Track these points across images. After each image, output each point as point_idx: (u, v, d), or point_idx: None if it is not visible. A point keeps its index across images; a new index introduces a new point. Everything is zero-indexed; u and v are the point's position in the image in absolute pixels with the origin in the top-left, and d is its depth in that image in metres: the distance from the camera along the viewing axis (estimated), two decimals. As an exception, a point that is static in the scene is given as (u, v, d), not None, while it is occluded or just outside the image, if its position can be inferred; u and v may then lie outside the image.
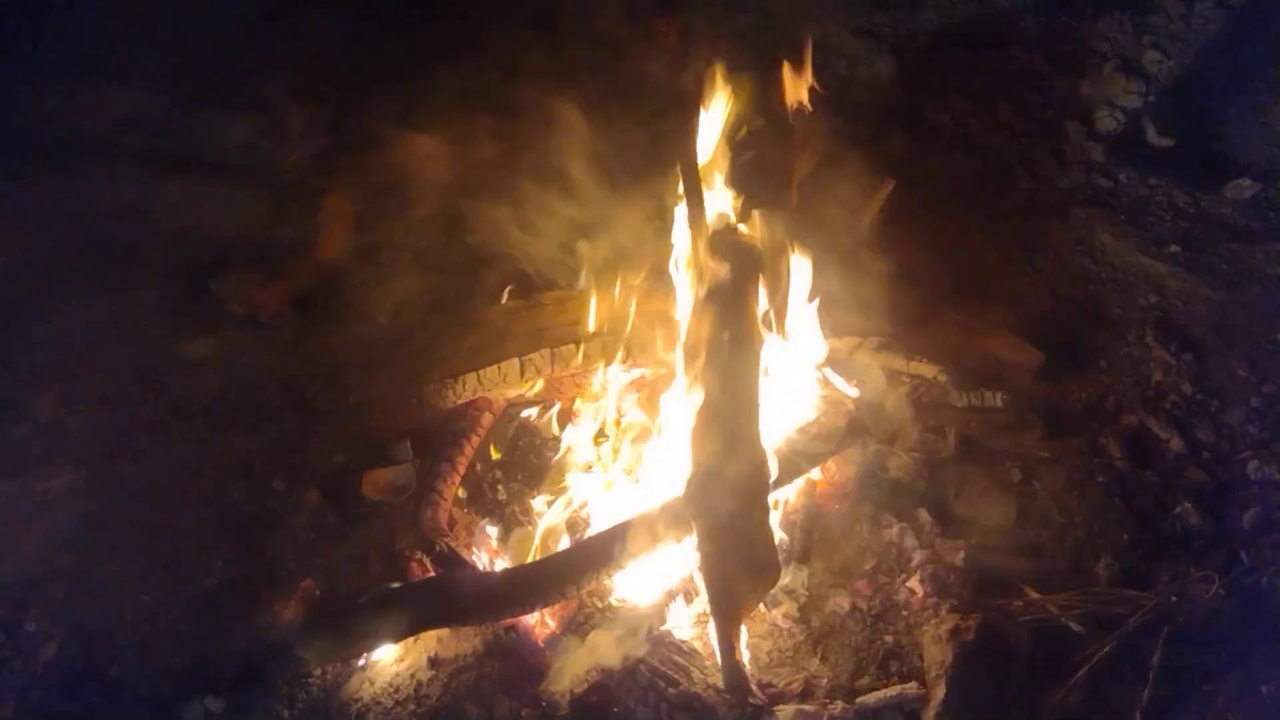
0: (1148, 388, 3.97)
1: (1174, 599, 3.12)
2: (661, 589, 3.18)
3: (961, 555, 3.25)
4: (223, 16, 5.10)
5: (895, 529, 3.34)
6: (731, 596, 2.88)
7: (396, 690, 3.07)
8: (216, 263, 4.35)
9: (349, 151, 4.74)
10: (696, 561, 2.95)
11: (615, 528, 3.08)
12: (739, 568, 2.89)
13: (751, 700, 2.84)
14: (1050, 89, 5.49)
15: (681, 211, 3.26)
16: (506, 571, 3.06)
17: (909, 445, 3.53)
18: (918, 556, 3.27)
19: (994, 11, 5.96)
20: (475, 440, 3.54)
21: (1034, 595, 3.15)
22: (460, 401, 3.58)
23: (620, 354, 3.53)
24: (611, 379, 3.57)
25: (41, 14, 5.22)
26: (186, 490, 3.66)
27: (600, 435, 3.50)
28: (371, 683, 3.09)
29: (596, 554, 3.05)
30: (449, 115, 4.73)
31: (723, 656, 2.85)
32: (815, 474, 3.44)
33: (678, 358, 3.18)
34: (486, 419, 3.60)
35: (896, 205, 4.19)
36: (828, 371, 3.52)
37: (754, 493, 2.97)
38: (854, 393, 3.48)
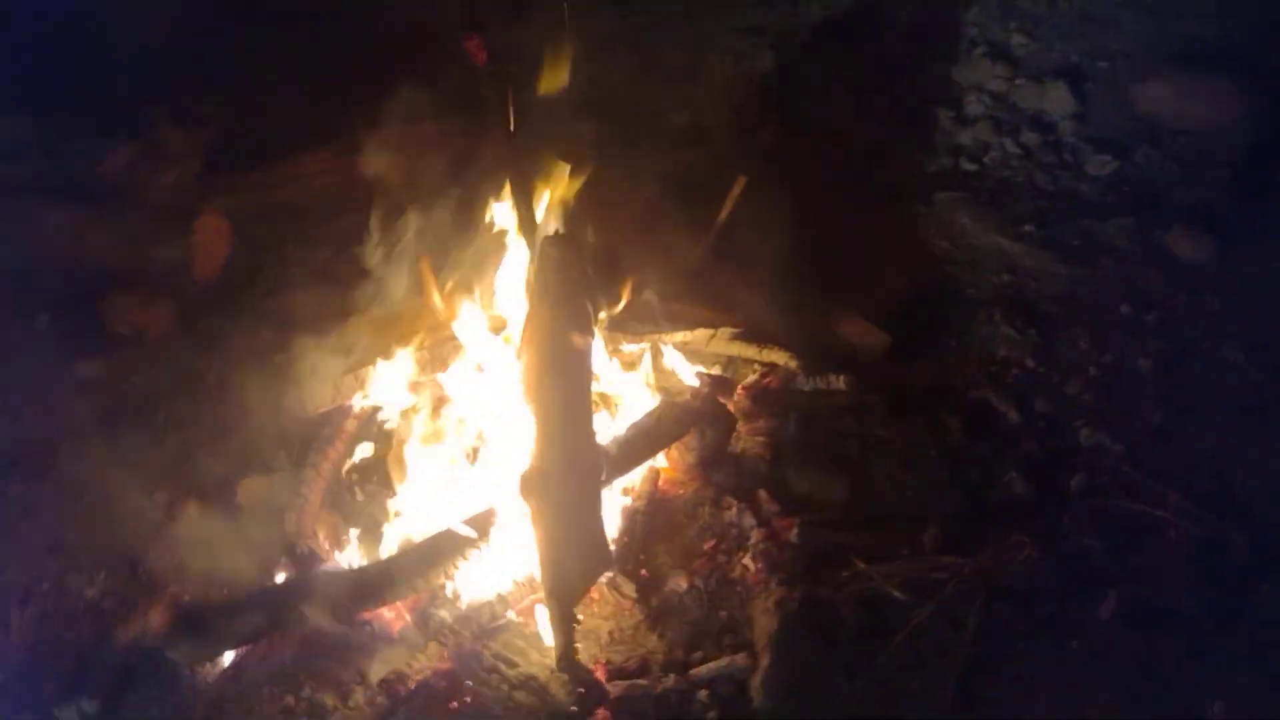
0: (992, 363, 4.17)
1: (991, 563, 3.33)
2: (505, 579, 3.36)
3: (795, 532, 3.44)
4: (102, 45, 5.23)
5: (734, 510, 3.53)
6: (565, 582, 3.07)
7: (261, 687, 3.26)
8: (106, 287, 4.51)
9: (230, 170, 4.90)
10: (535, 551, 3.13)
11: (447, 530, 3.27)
12: (573, 555, 3.08)
13: (584, 676, 3.03)
14: (921, 77, 5.68)
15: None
16: (356, 570, 3.23)
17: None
18: (755, 535, 3.46)
19: (872, 2, 6.14)
20: (339, 446, 3.71)
21: (861, 566, 3.35)
22: (331, 407, 3.77)
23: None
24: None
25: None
26: (74, 508, 3.83)
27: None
28: (238, 680, 3.27)
29: (438, 550, 3.24)
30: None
31: (556, 637, 3.04)
32: (661, 462, 3.63)
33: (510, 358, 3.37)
34: (350, 424, 3.77)
35: (761, 197, 4.38)
36: (673, 361, 3.72)
37: (586, 485, 3.17)
38: (694, 382, 3.66)
